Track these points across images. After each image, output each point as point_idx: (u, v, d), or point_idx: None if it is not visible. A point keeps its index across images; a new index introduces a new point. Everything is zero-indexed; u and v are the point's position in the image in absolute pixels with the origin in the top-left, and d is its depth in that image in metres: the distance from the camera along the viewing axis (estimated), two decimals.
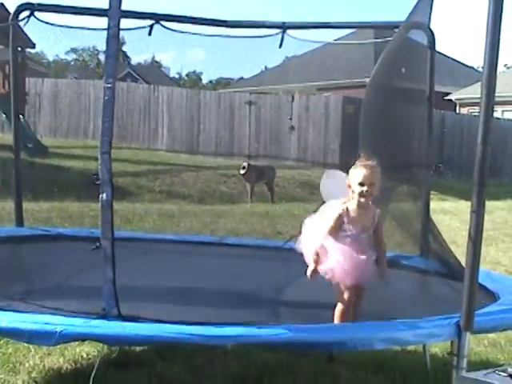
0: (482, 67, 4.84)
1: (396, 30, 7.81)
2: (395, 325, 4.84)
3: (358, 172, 5.65)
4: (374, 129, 7.51)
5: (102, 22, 8.36)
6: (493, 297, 5.85)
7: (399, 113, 7.52)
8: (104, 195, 4.42)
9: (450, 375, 6.16)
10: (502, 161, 29.63)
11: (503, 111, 40.04)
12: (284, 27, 8.33)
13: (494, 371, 4.38)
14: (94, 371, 4.80)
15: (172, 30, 8.40)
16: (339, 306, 5.65)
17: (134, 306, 4.69)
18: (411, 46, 7.49)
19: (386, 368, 7.36)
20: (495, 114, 37.20)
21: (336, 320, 5.69)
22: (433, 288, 6.40)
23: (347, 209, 5.62)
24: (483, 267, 5.05)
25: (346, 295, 5.60)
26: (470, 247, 4.70)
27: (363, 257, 5.52)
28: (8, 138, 11.60)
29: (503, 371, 4.31)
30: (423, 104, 7.67)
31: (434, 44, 7.41)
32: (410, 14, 6.69)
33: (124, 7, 4.69)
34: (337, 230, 5.59)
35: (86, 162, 20.47)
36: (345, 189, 5.68)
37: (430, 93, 7.66)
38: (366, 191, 5.59)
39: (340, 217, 5.60)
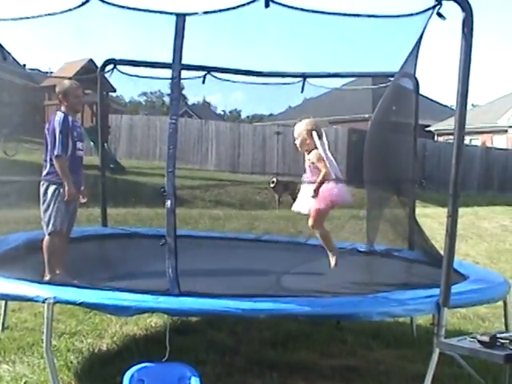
0: (455, 107, 4.85)
1: (391, 79, 7.86)
2: (389, 301, 4.84)
3: None
4: (374, 152, 7.54)
5: (166, 72, 8.55)
6: (464, 278, 5.80)
7: (392, 140, 7.55)
8: (169, 203, 4.45)
9: (432, 341, 6.18)
10: (470, 177, 29.38)
11: (471, 139, 39.84)
12: (304, 76, 8.37)
13: (465, 338, 4.36)
14: (167, 337, 4.81)
15: (219, 78, 8.48)
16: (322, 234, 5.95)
17: (191, 285, 4.69)
18: (401, 91, 7.52)
19: (382, 334, 7.38)
20: (465, 142, 37.02)
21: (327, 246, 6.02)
22: (418, 272, 6.37)
23: None
24: (456, 258, 5.04)
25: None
26: (447, 241, 4.70)
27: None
28: (94, 159, 11.74)
29: (473, 338, 4.29)
30: (410, 134, 7.68)
31: (418, 89, 7.45)
32: (402, 65, 6.69)
33: (184, 61, 4.71)
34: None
35: (153, 178, 20.61)
36: None
37: (415, 125, 7.65)
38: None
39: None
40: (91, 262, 6.52)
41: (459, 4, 4.65)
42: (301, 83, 8.66)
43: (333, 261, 6.26)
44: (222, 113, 63.43)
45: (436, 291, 4.85)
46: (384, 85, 8.42)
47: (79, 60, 22.69)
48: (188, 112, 49.29)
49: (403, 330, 7.62)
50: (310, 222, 6.14)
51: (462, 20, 4.66)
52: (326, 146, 6.16)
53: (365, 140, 7.90)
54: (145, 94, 62.81)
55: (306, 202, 5.99)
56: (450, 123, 41.73)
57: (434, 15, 4.84)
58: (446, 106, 51.00)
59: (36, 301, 4.69)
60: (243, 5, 4.28)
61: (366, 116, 36.64)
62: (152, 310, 4.92)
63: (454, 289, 4.89)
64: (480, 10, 5.47)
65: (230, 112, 62.37)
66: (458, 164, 4.70)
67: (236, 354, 6.50)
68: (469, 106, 5.12)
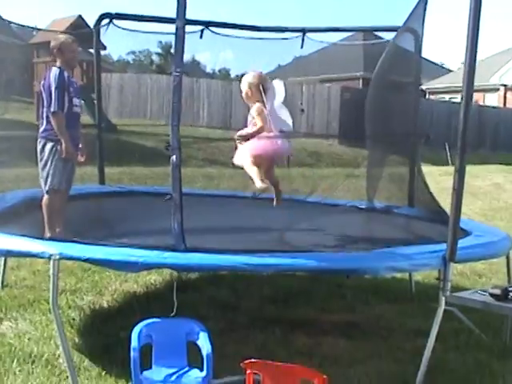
0: (463, 62, 4.75)
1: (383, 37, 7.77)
2: (395, 256, 4.82)
3: None
4: (376, 110, 7.49)
5: (157, 27, 8.43)
6: (467, 234, 5.80)
7: (395, 98, 7.50)
8: (174, 158, 4.39)
9: (431, 296, 6.22)
10: None
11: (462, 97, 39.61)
12: (304, 30, 8.25)
13: (477, 291, 4.36)
14: (174, 292, 4.80)
15: (217, 33, 8.35)
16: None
17: (196, 241, 4.66)
18: (399, 51, 7.44)
19: (381, 290, 7.44)
20: (456, 100, 36.98)
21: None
22: (422, 228, 6.37)
23: None
24: None
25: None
26: (454, 196, 4.66)
27: None
28: (85, 119, 11.60)
29: (484, 291, 4.30)
30: (411, 92, 7.63)
31: (421, 44, 7.30)
32: (406, 20, 6.60)
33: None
34: None
35: (145, 136, 20.50)
36: None
37: (417, 82, 7.60)
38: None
39: None
40: (92, 220, 6.46)
41: None
42: (299, 39, 8.51)
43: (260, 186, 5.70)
44: (211, 71, 62.85)
45: (441, 247, 4.84)
46: (376, 41, 8.32)
47: (68, 17, 22.37)
48: None
49: (402, 286, 7.67)
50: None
51: None
52: (276, 101, 5.87)
53: (358, 98, 7.86)
54: (133, 52, 62.06)
55: (241, 154, 5.78)
56: (441, 81, 41.58)
57: None
58: (437, 65, 50.76)
59: (41, 257, 4.64)
60: None
61: (358, 74, 36.54)
62: (159, 266, 4.89)
63: (459, 244, 4.86)
64: None
65: (219, 71, 61.80)
66: (467, 119, 4.63)
67: (237, 310, 6.54)
68: (459, 64, 5.03)
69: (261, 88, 5.81)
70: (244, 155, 5.69)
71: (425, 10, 6.22)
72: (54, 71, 6.07)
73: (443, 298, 4.71)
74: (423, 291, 7.35)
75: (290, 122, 5.97)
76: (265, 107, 5.74)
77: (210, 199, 8.68)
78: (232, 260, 4.40)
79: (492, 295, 4.14)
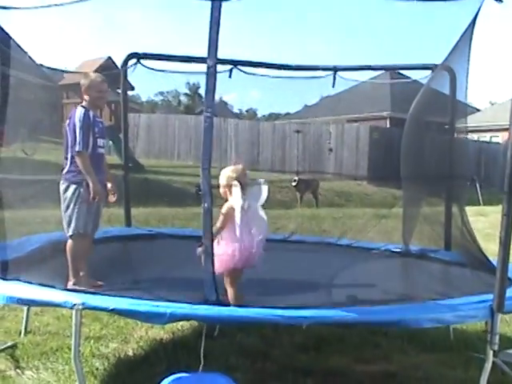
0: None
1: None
2: (439, 307, 4.57)
3: None
4: (413, 150, 7.30)
5: (184, 67, 8.35)
6: (510, 281, 5.48)
7: (430, 139, 7.32)
8: (205, 204, 4.18)
9: (471, 343, 5.90)
10: (493, 174, 29.01)
11: (491, 137, 39.49)
12: (335, 69, 8.09)
13: None
14: (202, 347, 4.54)
15: (246, 73, 8.22)
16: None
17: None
18: (437, 92, 7.37)
19: (417, 339, 7.10)
20: (484, 139, 36.83)
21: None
22: (462, 275, 6.08)
23: None
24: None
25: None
26: (502, 243, 4.41)
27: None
28: (114, 158, 11.53)
29: None
30: (445, 132, 7.42)
31: (455, 83, 7.07)
32: (446, 58, 6.40)
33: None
34: None
35: (172, 176, 20.47)
36: None
37: (452, 122, 7.35)
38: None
39: None
40: (118, 264, 6.29)
41: None
42: (328, 78, 8.35)
43: None
44: (239, 112, 63.32)
45: (487, 296, 4.57)
46: (403, 80, 8.16)
47: (97, 58, 22.61)
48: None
49: (438, 332, 7.33)
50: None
51: None
52: (259, 201, 5.48)
53: (386, 137, 7.71)
54: (161, 93, 62.83)
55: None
56: (469, 121, 41.45)
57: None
58: (462, 103, 50.62)
59: (64, 306, 4.44)
60: None
61: (385, 114, 36.47)
62: (188, 318, 4.67)
63: (506, 293, 4.58)
64: None
65: (247, 111, 62.21)
66: None
67: (267, 359, 6.26)
68: (487, 104, 4.81)
69: (237, 184, 5.35)
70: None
71: (469, 48, 5.96)
72: (80, 111, 5.91)
73: (491, 352, 4.43)
74: (462, 339, 7.01)
75: (265, 225, 5.50)
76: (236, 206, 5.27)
77: None
78: (266, 313, 4.16)
79: None
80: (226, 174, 5.46)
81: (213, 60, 4.20)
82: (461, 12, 4.98)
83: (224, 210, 5.28)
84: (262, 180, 5.53)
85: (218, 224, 5.19)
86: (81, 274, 5.71)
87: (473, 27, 5.62)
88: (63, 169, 5.97)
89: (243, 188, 5.34)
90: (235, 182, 5.35)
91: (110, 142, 20.10)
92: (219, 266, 4.88)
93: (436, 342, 7.04)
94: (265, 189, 5.51)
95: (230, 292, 5.19)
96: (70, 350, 5.66)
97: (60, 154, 6.19)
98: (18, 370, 5.77)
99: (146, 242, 7.89)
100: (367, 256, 7.34)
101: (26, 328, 6.94)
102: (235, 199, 5.28)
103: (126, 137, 9.28)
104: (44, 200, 8.03)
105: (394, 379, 5.86)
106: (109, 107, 21.01)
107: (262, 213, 5.46)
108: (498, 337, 4.46)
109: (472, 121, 41.03)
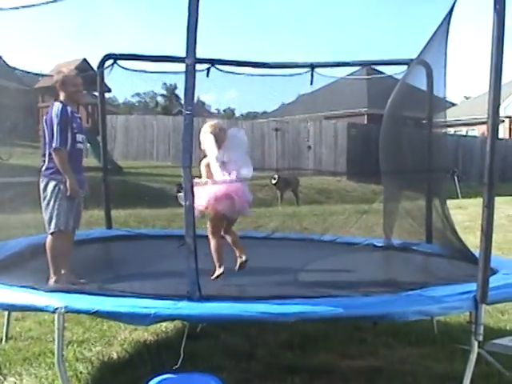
0: (488, 93, 4.51)
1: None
2: (424, 299, 4.56)
3: None
4: (391, 145, 7.31)
5: (161, 67, 8.31)
6: (494, 272, 5.51)
7: (408, 133, 7.35)
8: (187, 202, 4.14)
9: (454, 337, 5.91)
10: (471, 168, 29.19)
11: (467, 131, 39.74)
12: (312, 66, 8.08)
13: None
14: (182, 345, 4.50)
15: (223, 71, 8.19)
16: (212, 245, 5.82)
17: (212, 288, 4.40)
18: (413, 87, 7.44)
19: (402, 333, 7.12)
20: (460, 133, 37.06)
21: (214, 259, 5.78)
22: (445, 267, 6.11)
23: None
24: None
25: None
26: (484, 233, 4.42)
27: None
28: (91, 161, 11.45)
29: None
30: (423, 126, 7.45)
31: (432, 78, 7.10)
32: (420, 52, 6.41)
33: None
34: None
35: (152, 177, 20.38)
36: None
37: (430, 116, 7.38)
38: None
39: None
40: (100, 265, 6.23)
41: None
42: (305, 75, 8.34)
43: (216, 273, 5.82)
44: (216, 111, 63.16)
45: (470, 287, 4.58)
46: (380, 75, 8.19)
47: (72, 60, 22.37)
48: (182, 111, 48.79)
49: (423, 326, 7.34)
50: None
51: None
52: (234, 148, 5.90)
53: (364, 134, 7.75)
54: (138, 94, 62.56)
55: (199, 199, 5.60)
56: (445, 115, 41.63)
57: None
58: (440, 98, 50.95)
59: (46, 311, 4.38)
60: None
61: (362, 110, 36.60)
62: (172, 318, 4.62)
63: (489, 283, 4.59)
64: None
65: (224, 110, 62.10)
66: (493, 152, 4.40)
67: (252, 359, 6.22)
68: (461, 98, 4.84)
69: (212, 138, 5.81)
70: (203, 200, 5.67)
71: (446, 42, 5.97)
72: (57, 106, 5.82)
73: (476, 343, 4.43)
74: (446, 332, 7.03)
75: (250, 169, 5.95)
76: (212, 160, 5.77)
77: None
78: (252, 309, 4.14)
79: None
80: (203, 130, 5.94)
81: (191, 59, 4.17)
82: (436, 6, 4.99)
83: (203, 164, 5.81)
84: (235, 129, 6.16)
85: (203, 178, 5.75)
86: (62, 271, 5.64)
87: (449, 21, 5.63)
88: (42, 166, 5.89)
89: (218, 141, 5.79)
90: (208, 135, 5.82)
91: (88, 145, 19.96)
92: (200, 203, 5.53)
93: (421, 335, 7.05)
94: (242, 135, 6.09)
95: (213, 243, 5.80)
96: (52, 354, 5.57)
97: (37, 158, 6.10)
98: (1, 377, 5.69)
99: (127, 243, 7.85)
100: (349, 250, 7.34)
101: (6, 334, 6.84)
102: (209, 151, 5.76)
103: (103, 139, 9.21)
104: (21, 204, 7.95)
105: (380, 374, 5.85)
106: (85, 109, 20.86)
107: (246, 157, 5.95)
108: (482, 327, 4.46)
109: (448, 115, 41.23)
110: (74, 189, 5.73)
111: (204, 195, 5.67)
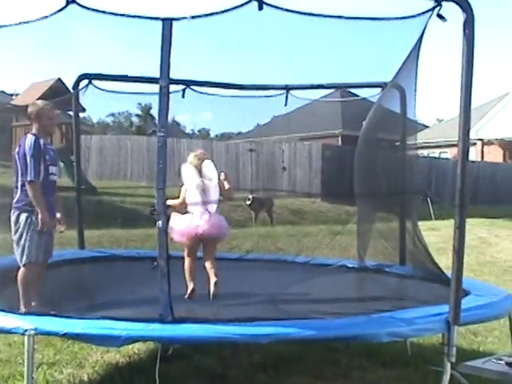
0: (458, 115, 4.58)
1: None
2: (396, 321, 4.57)
3: None
4: (366, 167, 7.35)
5: (136, 87, 8.31)
6: (466, 294, 5.54)
7: (382, 156, 7.41)
8: (160, 223, 4.13)
9: (427, 358, 5.91)
10: (443, 189, 29.40)
11: (440, 153, 40.05)
12: (287, 88, 8.12)
13: (491, 359, 4.10)
14: (157, 366, 4.46)
15: (199, 92, 8.21)
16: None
17: (184, 310, 4.37)
18: (387, 110, 7.52)
19: (375, 354, 7.10)
20: (433, 155, 37.35)
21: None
22: (418, 288, 6.13)
23: None
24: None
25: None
26: (455, 255, 4.45)
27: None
28: (65, 181, 11.37)
29: (499, 359, 4.03)
30: (396, 148, 7.51)
31: (405, 102, 7.17)
32: (395, 75, 6.48)
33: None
34: None
35: (126, 198, 20.25)
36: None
37: (403, 138, 7.44)
38: None
39: None
40: (72, 288, 6.16)
41: (459, 4, 4.43)
42: (280, 97, 8.39)
43: (188, 291, 6.08)
44: (191, 132, 63.12)
45: (442, 309, 4.60)
46: (354, 99, 8.26)
47: (47, 80, 22.30)
48: (156, 132, 48.58)
49: (397, 348, 7.34)
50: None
51: (463, 22, 4.44)
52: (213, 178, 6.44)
53: (338, 155, 7.81)
54: (112, 114, 62.38)
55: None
56: (418, 137, 41.96)
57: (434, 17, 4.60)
58: (412, 121, 51.44)
59: (15, 333, 4.31)
60: (237, 7, 3.96)
61: (336, 132, 36.81)
62: (144, 339, 4.59)
63: (461, 305, 4.62)
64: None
65: (199, 131, 62.08)
66: (464, 174, 4.44)
67: (226, 380, 6.18)
68: (434, 121, 4.92)
69: (191, 168, 6.44)
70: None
71: (416, 66, 6.06)
72: (30, 139, 5.79)
73: (449, 365, 4.45)
74: (419, 353, 7.02)
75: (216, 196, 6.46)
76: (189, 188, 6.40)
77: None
78: (224, 331, 4.11)
79: (509, 364, 3.86)
80: (188, 160, 6.56)
81: (165, 80, 4.18)
82: (408, 31, 5.06)
83: (183, 188, 6.42)
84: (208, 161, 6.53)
85: (177, 202, 6.36)
86: (32, 303, 5.58)
87: (419, 45, 5.71)
88: (13, 198, 5.85)
89: (197, 170, 6.40)
90: (187, 165, 6.50)
91: (62, 164, 19.84)
92: (179, 236, 6.21)
93: (394, 357, 7.05)
94: (211, 165, 6.52)
95: (186, 262, 6.24)
96: (22, 377, 5.46)
97: (9, 178, 6.06)
98: None
99: (99, 265, 7.77)
100: (323, 272, 7.34)
101: None
102: (190, 179, 6.40)
103: (77, 159, 9.16)
104: None
105: None
106: (60, 129, 20.75)
107: (214, 185, 6.44)
108: (455, 349, 4.47)
109: (421, 137, 41.49)
110: (46, 222, 5.70)
111: (176, 228, 6.22)
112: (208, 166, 6.50)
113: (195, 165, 6.44)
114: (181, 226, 6.23)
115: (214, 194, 6.41)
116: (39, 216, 5.67)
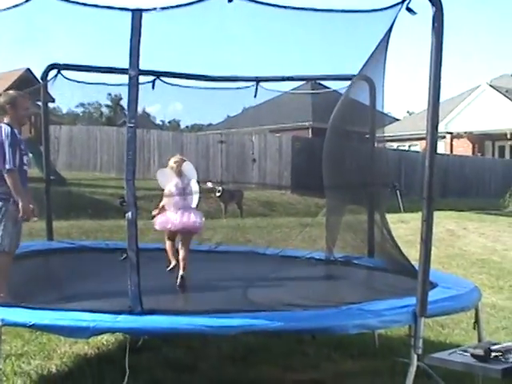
0: (426, 109, 4.62)
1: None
2: (364, 313, 4.60)
3: None
4: (334, 159, 7.37)
5: (106, 78, 8.26)
6: (433, 286, 5.60)
7: (351, 148, 7.42)
8: (130, 214, 4.11)
9: (395, 350, 5.97)
10: (413, 182, 29.65)
11: (410, 145, 40.31)
12: (257, 80, 8.12)
13: (456, 351, 4.15)
14: (126, 358, 4.44)
15: (169, 84, 8.18)
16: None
17: (153, 302, 4.36)
18: (356, 101, 7.51)
19: (343, 346, 7.16)
20: (403, 148, 37.59)
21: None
22: (385, 281, 6.18)
23: None
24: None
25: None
26: (423, 248, 4.50)
27: None
28: (34, 171, 11.22)
29: (464, 351, 4.08)
30: (365, 140, 7.54)
31: (374, 92, 7.19)
32: (362, 67, 6.50)
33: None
34: None
35: (95, 189, 20.11)
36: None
37: (372, 130, 7.47)
38: None
39: None
40: (40, 280, 6.10)
41: None
42: (250, 88, 8.38)
43: (170, 266, 6.68)
44: (161, 123, 62.77)
45: (410, 301, 4.64)
46: (324, 91, 8.28)
47: (15, 70, 22.04)
48: (126, 122, 48.21)
49: (365, 339, 7.41)
50: None
51: (432, 15, 4.47)
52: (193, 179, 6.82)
53: (308, 147, 7.83)
54: (82, 104, 61.82)
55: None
56: (388, 130, 42.18)
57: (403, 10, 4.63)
58: (383, 114, 51.72)
59: None
60: None
61: (307, 124, 36.88)
62: (112, 331, 4.58)
63: (428, 297, 4.66)
64: None
65: (170, 122, 61.76)
66: (432, 167, 4.48)
67: (194, 372, 6.19)
68: (405, 113, 4.96)
69: (174, 170, 6.80)
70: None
71: (385, 58, 6.08)
72: (5, 128, 5.72)
73: (415, 357, 4.49)
74: (387, 345, 7.10)
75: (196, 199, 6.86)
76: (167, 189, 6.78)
77: (162, 254, 8.33)
78: (192, 322, 4.11)
79: (474, 356, 3.91)
80: (170, 163, 6.92)
81: (134, 70, 4.15)
82: (378, 23, 5.08)
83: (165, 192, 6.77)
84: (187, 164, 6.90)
85: (161, 204, 6.75)
86: (1, 295, 5.52)
87: (388, 38, 5.73)
88: None
89: (177, 174, 6.77)
90: (163, 169, 7.02)
91: (31, 155, 19.58)
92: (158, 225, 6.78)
93: (362, 348, 7.11)
94: (191, 167, 6.93)
95: (166, 244, 6.81)
96: None
97: None
98: None
99: (68, 256, 7.72)
100: (292, 264, 7.37)
101: None
102: (164, 182, 6.81)
103: (46, 149, 9.06)
104: None
105: None
106: (29, 119, 20.51)
107: (194, 183, 6.81)
108: (421, 341, 4.52)
109: (391, 130, 41.77)
110: (26, 210, 5.65)
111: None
112: (188, 167, 6.89)
113: (175, 167, 6.82)
114: (160, 220, 6.77)
115: (194, 192, 6.79)
116: (20, 204, 5.61)
